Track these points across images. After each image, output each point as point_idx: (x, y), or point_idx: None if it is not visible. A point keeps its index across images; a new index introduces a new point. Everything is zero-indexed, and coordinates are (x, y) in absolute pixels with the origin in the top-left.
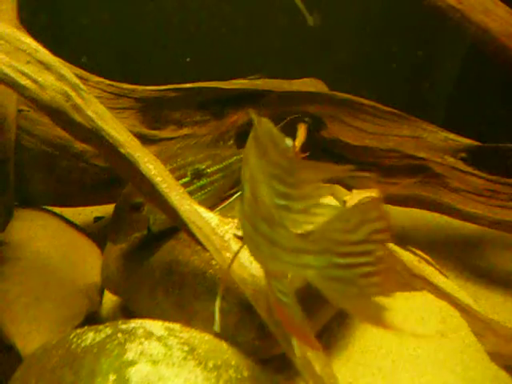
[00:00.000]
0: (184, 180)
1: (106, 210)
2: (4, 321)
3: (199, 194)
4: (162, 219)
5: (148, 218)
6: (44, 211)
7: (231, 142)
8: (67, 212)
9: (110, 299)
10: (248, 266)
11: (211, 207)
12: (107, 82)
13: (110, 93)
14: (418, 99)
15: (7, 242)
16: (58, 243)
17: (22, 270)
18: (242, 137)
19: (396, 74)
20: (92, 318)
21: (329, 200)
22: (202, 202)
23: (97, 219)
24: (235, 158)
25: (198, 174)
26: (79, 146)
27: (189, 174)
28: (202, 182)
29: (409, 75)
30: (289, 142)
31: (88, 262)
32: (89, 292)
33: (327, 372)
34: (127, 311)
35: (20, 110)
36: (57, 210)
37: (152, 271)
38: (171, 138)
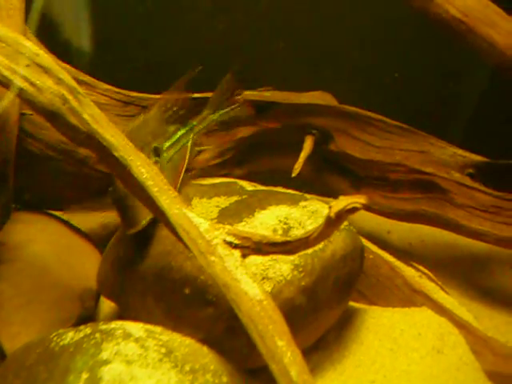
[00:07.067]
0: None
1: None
2: None
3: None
4: None
5: None
6: (45, 215)
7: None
8: (75, 217)
9: (108, 305)
10: (233, 270)
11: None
12: (115, 89)
13: (117, 100)
14: (437, 119)
15: (4, 243)
16: (55, 246)
17: (17, 272)
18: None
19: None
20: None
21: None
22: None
23: None
24: (180, 132)
25: (157, 152)
26: (83, 151)
27: (151, 153)
28: (162, 159)
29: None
30: None
31: (86, 267)
32: (83, 296)
33: (304, 378)
34: (123, 317)
35: (23, 114)
36: (65, 216)
37: (144, 276)
38: None
